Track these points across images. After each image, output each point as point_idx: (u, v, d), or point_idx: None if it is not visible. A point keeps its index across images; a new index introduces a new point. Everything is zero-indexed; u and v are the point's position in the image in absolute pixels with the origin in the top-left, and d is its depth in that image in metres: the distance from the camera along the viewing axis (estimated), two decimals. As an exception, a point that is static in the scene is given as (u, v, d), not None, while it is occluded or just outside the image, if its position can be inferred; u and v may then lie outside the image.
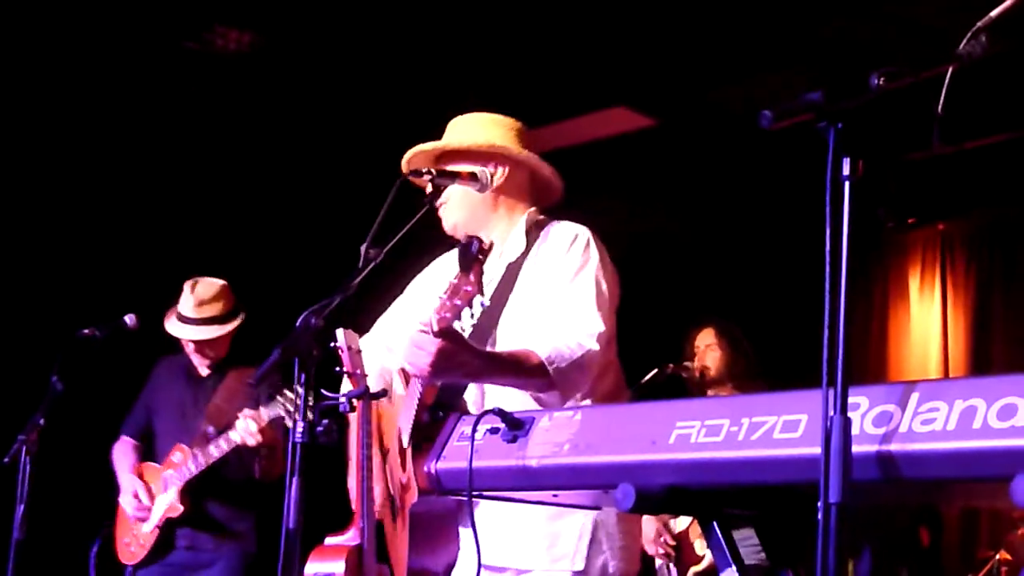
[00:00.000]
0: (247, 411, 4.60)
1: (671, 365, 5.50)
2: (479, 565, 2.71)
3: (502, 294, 3.14)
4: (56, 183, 6.55)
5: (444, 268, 3.37)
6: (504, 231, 3.22)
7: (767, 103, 2.04)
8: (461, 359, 2.81)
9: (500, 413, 2.46)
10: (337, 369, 3.15)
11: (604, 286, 3.06)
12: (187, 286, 4.96)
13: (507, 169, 3.21)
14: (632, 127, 6.93)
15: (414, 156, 3.30)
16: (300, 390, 2.65)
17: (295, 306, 2.72)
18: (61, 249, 6.54)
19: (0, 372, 6.04)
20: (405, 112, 6.67)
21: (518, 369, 2.91)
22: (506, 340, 3.08)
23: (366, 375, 3.16)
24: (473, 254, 2.72)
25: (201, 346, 4.97)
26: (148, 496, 4.87)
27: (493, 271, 3.15)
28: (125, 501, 4.91)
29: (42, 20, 5.69)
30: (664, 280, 7.96)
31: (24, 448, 4.33)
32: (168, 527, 4.85)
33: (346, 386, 3.22)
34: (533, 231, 3.22)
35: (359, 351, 3.19)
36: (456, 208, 3.22)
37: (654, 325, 7.61)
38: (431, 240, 3.39)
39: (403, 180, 2.95)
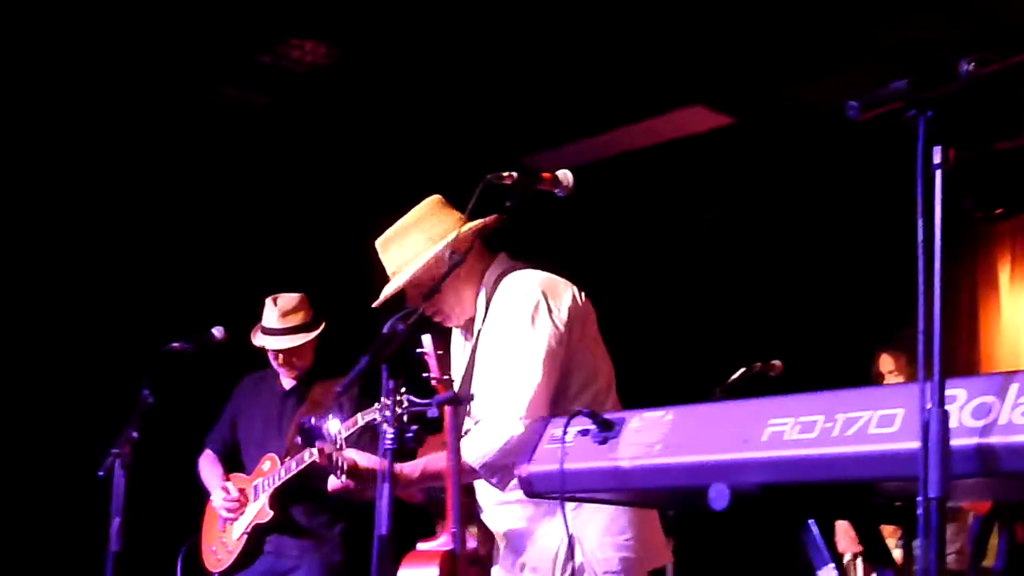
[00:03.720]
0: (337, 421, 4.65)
1: (758, 364, 5.45)
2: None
3: (472, 364, 3.28)
4: (146, 200, 6.67)
5: None
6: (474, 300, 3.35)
7: (844, 97, 2.01)
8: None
9: (591, 415, 2.45)
10: (424, 375, 3.16)
11: (532, 355, 3.09)
12: (268, 301, 5.07)
13: (458, 257, 3.22)
14: (709, 126, 6.89)
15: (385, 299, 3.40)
16: (388, 399, 2.67)
17: (371, 319, 2.74)
18: (150, 264, 6.66)
19: (93, 387, 6.17)
20: (480, 118, 6.70)
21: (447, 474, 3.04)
22: (476, 411, 3.20)
23: (453, 380, 3.17)
24: (308, 436, 3.14)
25: (288, 356, 5.05)
26: (240, 493, 4.97)
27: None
28: (216, 497, 5.01)
29: (121, 36, 5.78)
30: (747, 277, 7.89)
31: (118, 461, 4.38)
32: (256, 534, 4.94)
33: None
34: (492, 292, 3.29)
35: (446, 356, 3.19)
36: (449, 305, 3.33)
37: (735, 323, 7.56)
38: (513, 241, 3.40)
39: (485, 184, 2.95)
